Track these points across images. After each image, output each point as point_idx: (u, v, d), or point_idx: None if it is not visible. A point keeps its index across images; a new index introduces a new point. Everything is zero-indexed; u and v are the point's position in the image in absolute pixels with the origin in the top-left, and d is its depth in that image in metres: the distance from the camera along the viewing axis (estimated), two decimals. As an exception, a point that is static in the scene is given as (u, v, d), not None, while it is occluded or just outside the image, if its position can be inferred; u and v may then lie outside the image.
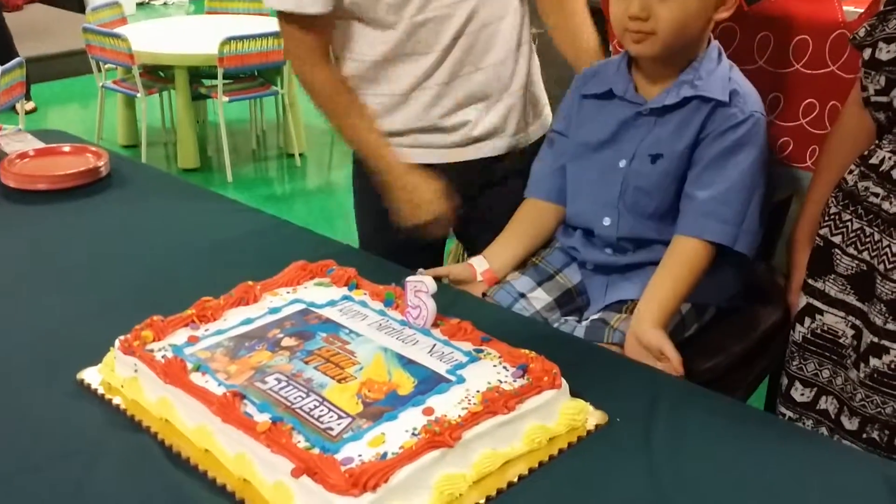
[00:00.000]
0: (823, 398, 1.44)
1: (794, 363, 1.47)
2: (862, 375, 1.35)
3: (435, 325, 1.24)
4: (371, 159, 1.73)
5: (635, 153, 1.49)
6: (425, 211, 1.69)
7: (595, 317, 1.49)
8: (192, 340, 1.20)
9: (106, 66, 4.73)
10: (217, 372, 1.13)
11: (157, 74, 4.81)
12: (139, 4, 8.83)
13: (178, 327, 1.22)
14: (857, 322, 1.38)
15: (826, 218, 1.43)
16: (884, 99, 1.31)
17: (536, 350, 1.17)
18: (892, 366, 1.32)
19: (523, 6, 1.76)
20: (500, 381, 1.11)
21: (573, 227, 1.60)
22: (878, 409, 1.34)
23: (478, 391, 1.09)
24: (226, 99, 4.55)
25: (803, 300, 1.46)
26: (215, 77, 4.49)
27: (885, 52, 1.29)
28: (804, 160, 1.64)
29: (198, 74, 4.75)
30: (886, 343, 1.32)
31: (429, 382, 1.11)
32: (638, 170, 1.49)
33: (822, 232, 1.43)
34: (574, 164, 1.58)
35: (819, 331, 1.43)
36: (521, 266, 1.61)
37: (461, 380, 1.11)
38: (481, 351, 1.18)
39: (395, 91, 1.71)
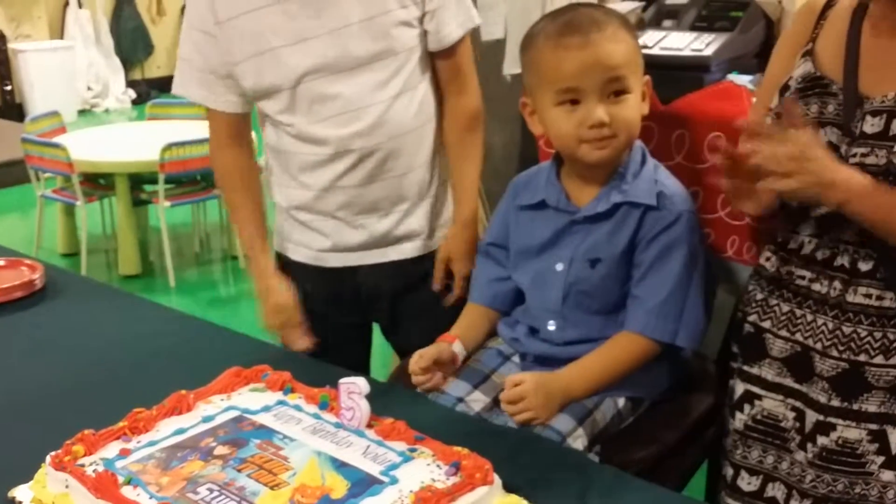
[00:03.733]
0: (770, 485, 1.46)
1: (738, 452, 1.49)
2: (810, 455, 1.38)
3: (369, 425, 1.25)
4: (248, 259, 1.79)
5: (573, 258, 1.53)
6: (272, 317, 1.73)
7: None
8: (124, 453, 1.19)
9: (45, 174, 4.71)
10: (149, 484, 1.12)
11: (98, 182, 4.79)
12: (80, 111, 8.84)
13: (110, 440, 1.22)
14: (798, 404, 1.41)
15: (754, 304, 1.47)
16: None
17: (470, 446, 1.18)
18: (840, 442, 1.35)
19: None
20: (434, 480, 1.12)
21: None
22: (830, 488, 1.36)
23: (411, 491, 1.10)
24: (167, 204, 4.54)
25: (740, 388, 1.49)
26: (156, 182, 4.48)
27: None
28: (725, 250, 1.70)
29: (139, 180, 4.74)
30: (832, 420, 1.35)
31: (362, 485, 1.11)
32: (578, 275, 1.53)
33: (751, 318, 1.47)
34: (516, 271, 1.62)
35: (759, 416, 1.46)
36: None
37: (394, 480, 1.12)
38: (415, 450, 1.19)
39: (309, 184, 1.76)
